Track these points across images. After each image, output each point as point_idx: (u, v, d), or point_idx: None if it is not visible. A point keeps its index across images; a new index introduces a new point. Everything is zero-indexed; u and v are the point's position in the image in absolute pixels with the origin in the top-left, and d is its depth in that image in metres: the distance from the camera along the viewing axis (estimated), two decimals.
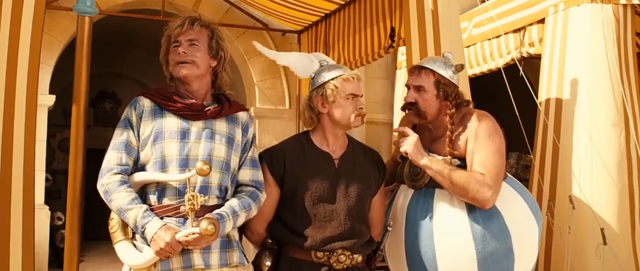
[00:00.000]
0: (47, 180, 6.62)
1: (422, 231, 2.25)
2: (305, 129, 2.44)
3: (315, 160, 2.29)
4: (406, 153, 2.31)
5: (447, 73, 2.33)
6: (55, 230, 6.98)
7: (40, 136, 5.66)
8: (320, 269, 2.21)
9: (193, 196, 1.95)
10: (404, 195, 2.39)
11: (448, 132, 2.29)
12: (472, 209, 2.20)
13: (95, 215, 9.98)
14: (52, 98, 5.97)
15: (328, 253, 2.20)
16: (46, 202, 6.16)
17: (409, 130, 2.38)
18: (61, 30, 5.96)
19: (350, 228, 2.24)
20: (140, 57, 10.05)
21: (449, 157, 2.29)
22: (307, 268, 2.22)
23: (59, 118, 9.06)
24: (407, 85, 2.41)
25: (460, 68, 2.36)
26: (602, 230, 3.57)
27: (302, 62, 2.45)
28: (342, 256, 2.21)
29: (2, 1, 2.60)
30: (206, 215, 1.99)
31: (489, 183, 2.15)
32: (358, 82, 2.31)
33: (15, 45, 2.64)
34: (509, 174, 2.43)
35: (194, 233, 1.92)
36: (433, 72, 2.32)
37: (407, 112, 2.41)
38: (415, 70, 2.38)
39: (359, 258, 2.26)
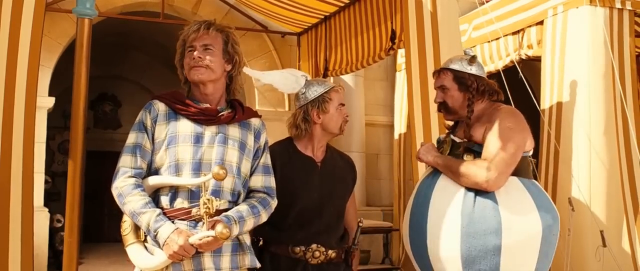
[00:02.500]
0: (46, 182, 6.62)
1: (422, 201, 2.35)
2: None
3: (301, 164, 2.51)
4: (419, 158, 2.48)
5: (464, 67, 2.47)
6: (54, 232, 6.96)
7: (40, 138, 5.65)
8: (296, 263, 2.40)
9: (209, 200, 1.96)
10: (424, 172, 2.54)
11: (465, 117, 2.42)
12: (470, 189, 2.26)
13: (94, 217, 10.00)
14: (51, 101, 5.97)
15: (304, 249, 2.41)
16: (46, 204, 6.15)
17: (423, 142, 2.63)
18: (61, 32, 5.97)
19: (327, 226, 2.48)
20: (140, 59, 10.06)
21: (464, 141, 2.38)
22: (285, 262, 2.42)
23: (58, 121, 9.06)
24: (435, 88, 2.58)
25: (472, 60, 2.48)
26: (601, 232, 3.57)
27: (285, 80, 2.62)
28: (317, 252, 2.42)
29: (2, 3, 2.60)
30: (214, 218, 1.99)
31: (488, 165, 2.21)
32: (343, 92, 2.60)
33: (15, 47, 2.64)
34: (532, 180, 2.42)
35: (208, 237, 1.92)
36: (450, 70, 2.48)
37: (440, 112, 2.58)
38: (435, 73, 2.56)
39: (333, 253, 2.47)
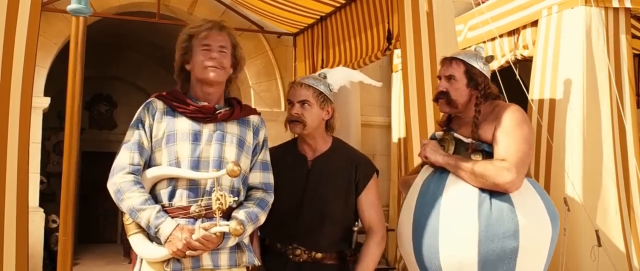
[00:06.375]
0: (41, 182, 6.58)
1: (430, 203, 2.25)
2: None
3: (291, 162, 2.45)
4: (426, 158, 2.37)
5: (477, 64, 2.37)
6: (49, 233, 6.93)
7: (35, 138, 5.64)
8: (280, 257, 2.38)
9: (222, 195, 1.97)
10: (424, 171, 2.42)
11: (474, 117, 2.32)
12: (484, 190, 2.19)
13: (90, 217, 9.94)
14: (47, 101, 5.94)
15: (282, 246, 2.38)
16: (41, 205, 6.13)
17: (426, 140, 2.45)
18: (56, 32, 5.95)
19: (307, 228, 2.37)
20: (135, 59, 10.04)
21: (472, 141, 2.30)
22: (275, 255, 2.41)
23: (54, 121, 9.02)
24: (439, 76, 2.44)
25: (490, 59, 2.41)
26: (596, 231, 3.58)
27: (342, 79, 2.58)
28: (297, 250, 2.36)
29: None
30: (211, 230, 1.97)
31: (508, 166, 2.15)
32: (298, 87, 2.43)
33: (10, 47, 2.63)
34: (532, 178, 2.39)
35: (221, 231, 1.95)
36: (463, 62, 2.37)
37: (438, 102, 2.43)
38: (447, 61, 2.42)
39: (318, 255, 2.37)
